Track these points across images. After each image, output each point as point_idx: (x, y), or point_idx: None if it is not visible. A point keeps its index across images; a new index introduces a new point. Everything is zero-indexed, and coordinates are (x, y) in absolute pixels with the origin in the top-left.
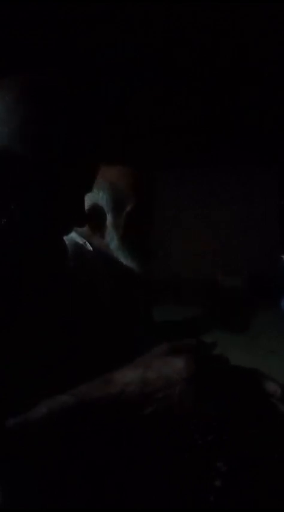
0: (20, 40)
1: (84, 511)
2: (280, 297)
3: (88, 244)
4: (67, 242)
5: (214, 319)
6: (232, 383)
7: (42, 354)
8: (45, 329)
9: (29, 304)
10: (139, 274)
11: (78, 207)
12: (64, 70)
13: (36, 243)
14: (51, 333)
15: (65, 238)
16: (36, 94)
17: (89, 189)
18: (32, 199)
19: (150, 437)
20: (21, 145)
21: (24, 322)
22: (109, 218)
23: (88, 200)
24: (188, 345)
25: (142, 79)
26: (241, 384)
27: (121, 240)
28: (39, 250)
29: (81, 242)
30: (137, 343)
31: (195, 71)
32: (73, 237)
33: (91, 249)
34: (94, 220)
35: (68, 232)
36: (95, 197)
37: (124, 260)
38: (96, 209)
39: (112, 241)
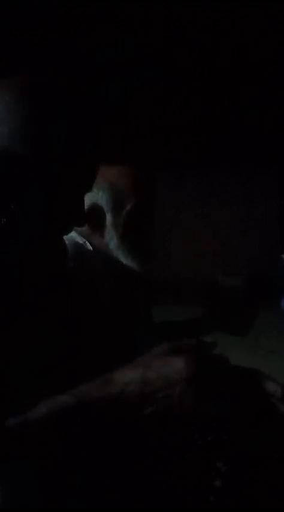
0: (20, 40)
1: (84, 511)
2: (280, 297)
3: (88, 244)
4: (67, 242)
5: (214, 319)
6: (232, 383)
7: (42, 354)
8: (45, 329)
9: (29, 304)
10: (139, 274)
11: (78, 207)
12: (64, 70)
13: (36, 243)
14: (51, 333)
15: (65, 238)
16: (36, 94)
17: (89, 189)
18: (32, 199)
19: (150, 437)
20: (21, 145)
21: (24, 322)
22: (108, 217)
23: (88, 200)
24: (188, 345)
25: (142, 79)
26: (241, 383)
27: (120, 240)
28: (39, 250)
29: (81, 242)
30: (137, 343)
31: (195, 71)
32: (73, 236)
33: (91, 248)
34: (93, 219)
35: (67, 232)
36: (95, 197)
37: (124, 259)
38: (96, 209)
39: (111, 240)
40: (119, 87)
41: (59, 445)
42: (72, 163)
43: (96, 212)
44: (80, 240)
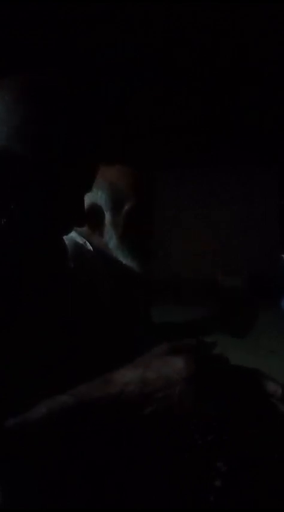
0: (20, 40)
1: (84, 511)
2: (280, 297)
3: (88, 244)
4: (67, 242)
5: (215, 320)
6: (232, 383)
7: (42, 354)
8: (45, 329)
9: (29, 304)
10: (139, 274)
11: (78, 207)
12: (64, 70)
13: (36, 243)
14: (51, 333)
15: (65, 238)
16: (36, 94)
17: (89, 189)
18: (32, 199)
19: (150, 437)
20: (21, 145)
21: (24, 322)
22: (107, 217)
23: (87, 199)
24: (188, 345)
25: (142, 79)
26: (241, 383)
27: (120, 240)
28: (39, 250)
29: (81, 242)
30: (137, 343)
31: (195, 71)
32: (73, 236)
33: (91, 248)
34: (92, 219)
35: (67, 232)
36: (94, 196)
37: (124, 259)
38: (95, 208)
39: (110, 239)
40: (119, 87)
41: (59, 445)
42: (72, 163)
43: (95, 212)
44: (80, 240)
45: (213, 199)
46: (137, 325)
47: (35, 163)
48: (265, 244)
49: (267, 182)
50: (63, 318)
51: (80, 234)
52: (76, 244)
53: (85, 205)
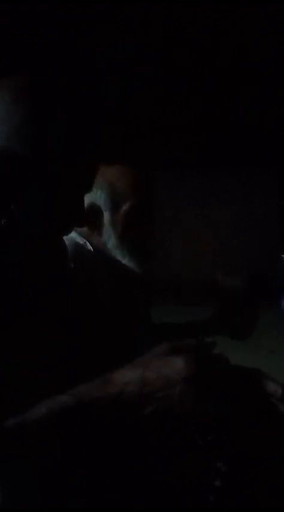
0: (20, 40)
1: (84, 511)
2: (280, 297)
3: (88, 244)
4: (67, 242)
5: (215, 321)
6: (232, 383)
7: (42, 354)
8: (45, 329)
9: (29, 304)
10: (139, 274)
11: (78, 207)
12: (64, 70)
13: (36, 243)
14: (51, 333)
15: (65, 238)
16: (36, 94)
17: (89, 189)
18: (32, 199)
19: (150, 437)
20: (21, 145)
21: (24, 322)
22: (106, 216)
23: (86, 199)
24: (188, 345)
25: (142, 79)
26: (241, 383)
27: (119, 239)
28: (39, 250)
29: (81, 242)
30: (137, 343)
31: (195, 71)
32: (73, 237)
33: (91, 249)
34: (91, 219)
35: (68, 233)
36: (93, 196)
37: (122, 259)
38: (94, 208)
39: (109, 239)
40: (119, 87)
41: (59, 445)
42: (72, 163)
43: (94, 211)
44: (80, 240)
45: (213, 199)
46: (137, 325)
47: (35, 163)
48: (265, 244)
49: (267, 182)
50: (63, 318)
51: (80, 234)
52: (76, 245)
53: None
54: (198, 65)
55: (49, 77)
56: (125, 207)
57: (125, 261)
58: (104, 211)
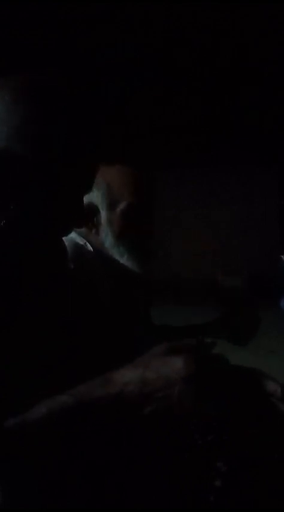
0: (20, 40)
1: (84, 511)
2: (280, 297)
3: (88, 245)
4: (67, 243)
5: (216, 324)
6: (232, 383)
7: (42, 354)
8: (45, 329)
9: (29, 304)
10: (138, 274)
11: (78, 207)
12: (64, 70)
13: (36, 243)
14: (51, 333)
15: (65, 239)
16: (36, 94)
17: (89, 189)
18: (32, 199)
19: (150, 437)
20: (21, 145)
21: (24, 322)
22: (103, 215)
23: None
24: (188, 345)
25: (142, 79)
26: (241, 383)
27: (116, 239)
28: (39, 250)
29: (81, 243)
30: (137, 343)
31: (195, 71)
32: (73, 237)
33: (91, 249)
34: (89, 218)
35: (67, 233)
36: (90, 195)
37: (120, 258)
38: (91, 207)
39: (107, 238)
40: (119, 87)
41: (59, 445)
42: (72, 163)
43: (91, 210)
44: (80, 240)
45: (213, 199)
46: (137, 325)
47: (35, 163)
48: (265, 244)
49: (267, 182)
50: (63, 318)
51: (80, 234)
52: (76, 245)
53: None
54: (198, 65)
55: (49, 77)
56: (121, 206)
57: (123, 260)
58: (101, 211)
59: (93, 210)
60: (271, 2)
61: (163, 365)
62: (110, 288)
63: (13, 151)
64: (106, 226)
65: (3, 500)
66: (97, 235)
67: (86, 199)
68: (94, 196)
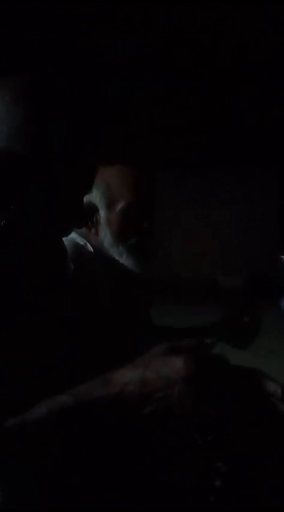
0: (20, 40)
1: (84, 511)
2: (280, 297)
3: (88, 245)
4: (67, 243)
5: (217, 325)
6: (232, 383)
7: (42, 354)
8: (45, 329)
9: (29, 304)
10: (138, 274)
11: (78, 207)
12: (64, 70)
13: (36, 243)
14: (51, 333)
15: (65, 239)
16: (36, 94)
17: (89, 189)
18: (32, 199)
19: (150, 437)
20: (21, 145)
21: (24, 322)
22: (102, 215)
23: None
24: (187, 345)
25: (142, 79)
26: (241, 383)
27: (115, 238)
28: (39, 250)
29: (81, 243)
30: (137, 343)
31: (195, 71)
32: (73, 237)
33: (92, 249)
34: (88, 217)
35: (67, 233)
36: (89, 195)
37: (119, 257)
38: (90, 206)
39: (105, 237)
40: (119, 87)
41: (59, 445)
42: (72, 163)
43: (90, 210)
44: (80, 241)
45: (213, 199)
46: (137, 325)
47: (35, 163)
48: (265, 244)
49: (267, 182)
50: (63, 318)
51: (80, 234)
52: (76, 245)
53: None
54: (198, 65)
55: (49, 77)
56: (120, 206)
57: (122, 259)
58: (100, 210)
59: (92, 209)
60: (271, 2)
61: (163, 365)
62: (110, 288)
63: (13, 151)
64: (105, 225)
65: (3, 500)
66: (96, 235)
67: (85, 198)
68: (93, 196)
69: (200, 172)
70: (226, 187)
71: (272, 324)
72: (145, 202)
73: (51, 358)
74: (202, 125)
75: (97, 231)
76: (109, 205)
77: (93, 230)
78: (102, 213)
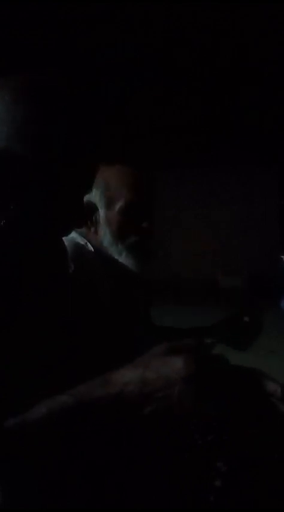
0: (20, 40)
1: (84, 511)
2: (280, 297)
3: (89, 245)
4: (67, 243)
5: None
6: (232, 383)
7: (42, 354)
8: (45, 329)
9: (29, 304)
10: (138, 274)
11: (78, 207)
12: (64, 70)
13: (36, 243)
14: (51, 333)
15: (65, 238)
16: (36, 94)
17: (89, 189)
18: (32, 199)
19: (150, 437)
20: (21, 145)
21: (24, 322)
22: (101, 214)
23: None
24: (187, 345)
25: (142, 79)
26: (241, 383)
27: (114, 237)
28: (39, 250)
29: (81, 242)
30: (137, 343)
31: (195, 71)
32: (74, 237)
33: (92, 249)
34: (87, 216)
35: (67, 233)
36: (89, 194)
37: (118, 256)
38: (89, 206)
39: (105, 236)
40: (119, 87)
41: (59, 445)
42: (72, 163)
43: (89, 209)
44: (81, 240)
45: (213, 199)
46: (137, 325)
47: (35, 163)
48: (265, 244)
49: (267, 182)
50: (63, 318)
51: (80, 234)
52: (76, 245)
53: None
54: (198, 65)
55: (49, 77)
56: (119, 205)
57: (121, 258)
58: (99, 209)
59: (92, 208)
60: (271, 2)
61: (163, 365)
62: (110, 288)
63: (13, 151)
64: (105, 224)
65: (3, 500)
66: (96, 234)
67: (85, 198)
68: (92, 195)
69: (200, 172)
70: (226, 187)
71: (272, 324)
72: (145, 201)
73: (51, 358)
74: (202, 124)
75: (97, 230)
76: (109, 205)
77: (92, 229)
78: (102, 212)
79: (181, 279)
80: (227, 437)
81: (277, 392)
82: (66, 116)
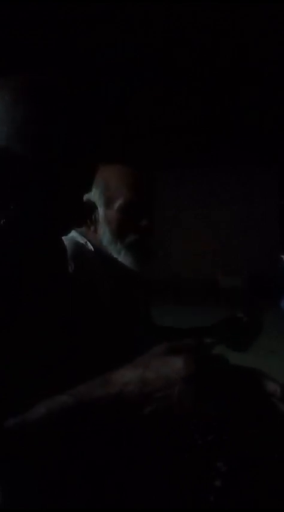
0: (20, 40)
1: (84, 511)
2: (280, 297)
3: (89, 244)
4: (67, 242)
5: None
6: (232, 383)
7: (42, 354)
8: (45, 329)
9: (29, 304)
10: (138, 274)
11: (78, 207)
12: (64, 70)
13: (36, 243)
14: (51, 333)
15: (65, 238)
16: (36, 94)
17: (89, 189)
18: (32, 199)
19: (149, 437)
20: (21, 145)
21: (24, 322)
22: (101, 212)
23: None
24: (187, 345)
25: (142, 79)
26: (241, 383)
27: (113, 235)
28: (39, 250)
29: (81, 242)
30: (137, 343)
31: (195, 71)
32: (74, 236)
33: (92, 249)
34: (86, 215)
35: (67, 233)
36: (89, 193)
37: (117, 255)
38: (88, 204)
39: (104, 235)
40: (119, 87)
41: (59, 445)
42: (72, 163)
43: (89, 208)
44: (81, 240)
45: (213, 199)
46: (137, 325)
47: (35, 163)
48: (265, 244)
49: (267, 182)
50: (63, 318)
51: (80, 233)
52: (76, 244)
53: None
54: (198, 65)
55: (49, 77)
56: (118, 203)
57: (120, 257)
58: (99, 208)
59: (91, 207)
60: (271, 2)
61: (163, 365)
62: (110, 288)
63: (13, 151)
64: (104, 223)
65: (3, 500)
66: (95, 233)
67: (84, 197)
68: (92, 194)
69: (200, 172)
70: (226, 187)
71: (272, 324)
72: (144, 200)
73: (51, 358)
74: (202, 124)
75: (96, 229)
76: (108, 203)
77: (92, 228)
78: (101, 211)
79: (181, 279)
80: (227, 437)
81: (277, 392)
82: (66, 116)
